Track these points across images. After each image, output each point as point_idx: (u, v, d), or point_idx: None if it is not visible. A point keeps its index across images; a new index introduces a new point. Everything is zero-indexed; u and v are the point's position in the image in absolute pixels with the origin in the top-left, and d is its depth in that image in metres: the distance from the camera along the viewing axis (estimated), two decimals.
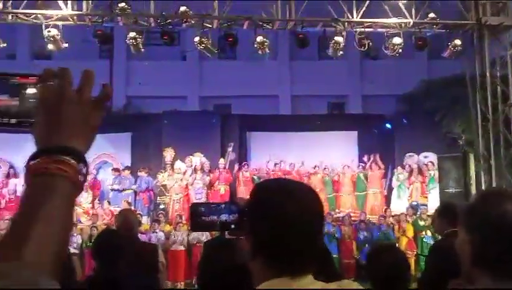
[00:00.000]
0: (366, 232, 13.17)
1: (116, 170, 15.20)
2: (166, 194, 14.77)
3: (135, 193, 14.83)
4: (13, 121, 1.00)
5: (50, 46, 11.07)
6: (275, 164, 15.07)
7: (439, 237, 4.75)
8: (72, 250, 11.37)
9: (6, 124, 1.01)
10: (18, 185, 14.93)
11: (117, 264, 3.85)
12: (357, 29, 11.61)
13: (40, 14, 10.54)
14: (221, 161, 14.98)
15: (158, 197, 14.89)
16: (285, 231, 1.35)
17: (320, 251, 1.46)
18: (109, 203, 14.59)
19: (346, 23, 11.41)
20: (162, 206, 14.58)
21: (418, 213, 13.71)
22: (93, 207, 14.53)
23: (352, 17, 11.35)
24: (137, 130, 15.98)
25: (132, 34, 10.86)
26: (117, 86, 19.89)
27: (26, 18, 10.75)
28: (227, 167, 15.00)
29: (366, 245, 12.41)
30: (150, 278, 5.04)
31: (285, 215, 1.36)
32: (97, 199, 14.89)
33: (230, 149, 15.28)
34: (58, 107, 0.94)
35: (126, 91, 19.79)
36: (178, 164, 14.92)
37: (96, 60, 19.37)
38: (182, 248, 12.58)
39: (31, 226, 0.84)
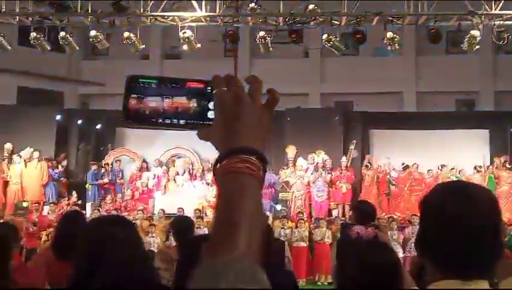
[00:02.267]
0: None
1: None
2: (288, 190, 14.92)
3: None
4: (182, 122, 1.07)
5: (184, 47, 11.60)
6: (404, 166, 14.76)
7: None
8: None
9: (176, 125, 1.08)
10: (150, 178, 15.85)
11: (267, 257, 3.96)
12: (496, 22, 10.93)
13: (176, 16, 11.06)
14: (344, 159, 14.85)
15: (280, 194, 15.09)
16: (450, 232, 1.35)
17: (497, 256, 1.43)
18: None
19: (483, 16, 10.79)
20: (284, 203, 14.76)
21: None
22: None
23: (490, 10, 10.71)
24: None
25: (262, 34, 11.08)
26: None
27: (163, 20, 11.33)
28: (349, 165, 14.85)
29: None
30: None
31: (449, 215, 1.37)
32: None
33: (352, 147, 15.10)
34: (237, 112, 1.01)
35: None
36: (300, 161, 15.01)
37: (221, 59, 20.01)
38: (303, 244, 12.66)
39: (240, 220, 0.92)
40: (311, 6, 10.76)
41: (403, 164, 14.82)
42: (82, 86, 21.01)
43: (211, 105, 1.07)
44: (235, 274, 0.84)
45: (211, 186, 15.27)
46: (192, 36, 11.14)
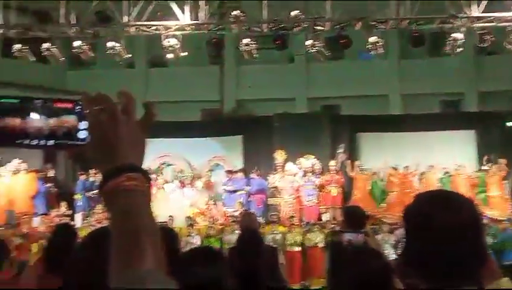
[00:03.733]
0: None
1: (229, 171, 15.65)
2: (278, 195, 14.96)
3: (248, 194, 15.17)
4: (50, 142, 1.07)
5: (169, 56, 11.63)
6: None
7: None
8: None
9: (44, 146, 1.08)
10: None
11: (258, 264, 4.00)
12: (476, 25, 11.09)
13: (160, 25, 11.09)
14: (332, 162, 14.93)
15: (270, 199, 15.13)
16: (435, 242, 1.39)
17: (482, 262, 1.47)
18: (223, 204, 15.06)
19: (464, 19, 10.94)
20: (274, 208, 14.81)
21: None
22: (208, 208, 15.06)
23: (471, 13, 10.87)
24: (248, 133, 16.32)
25: (246, 41, 11.15)
26: (228, 90, 20.48)
27: (147, 30, 11.36)
28: (338, 169, 14.93)
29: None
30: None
31: (434, 226, 1.40)
32: (211, 200, 15.41)
33: (341, 151, 15.18)
34: (114, 130, 1.02)
35: (236, 95, 20.30)
36: (289, 165, 15.06)
37: (206, 66, 20.05)
38: (297, 249, 12.71)
39: (140, 237, 0.97)
40: (294, 13, 10.86)
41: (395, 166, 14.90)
42: (66, 96, 20.88)
43: (81, 125, 1.07)
44: (152, 283, 0.92)
45: (202, 193, 15.29)
46: (177, 45, 11.18)
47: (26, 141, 1.04)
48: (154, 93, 20.08)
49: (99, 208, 15.11)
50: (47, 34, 11.37)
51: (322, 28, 11.45)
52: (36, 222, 14.24)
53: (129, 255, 0.96)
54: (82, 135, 1.06)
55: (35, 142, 1.05)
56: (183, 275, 2.01)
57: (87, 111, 1.03)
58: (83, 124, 1.06)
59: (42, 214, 14.50)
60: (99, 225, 13.68)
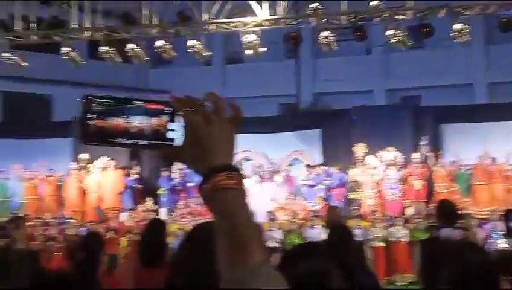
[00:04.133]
0: None
1: (309, 166, 15.60)
2: (358, 189, 14.75)
3: (328, 188, 15.06)
4: (143, 142, 1.08)
5: (248, 52, 11.71)
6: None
7: None
8: (273, 244, 11.98)
9: (137, 145, 1.09)
10: None
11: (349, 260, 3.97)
12: None
13: (239, 22, 11.19)
14: (415, 155, 14.52)
15: (350, 193, 14.94)
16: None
17: None
18: (303, 198, 15.03)
19: None
20: (355, 202, 14.62)
21: None
22: (288, 203, 15.08)
23: None
24: (326, 127, 16.18)
25: (325, 34, 11.04)
26: (304, 84, 20.40)
27: (226, 27, 11.50)
28: (422, 161, 14.50)
29: None
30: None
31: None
32: (291, 195, 15.42)
33: (424, 142, 14.73)
34: (209, 131, 1.06)
35: (313, 88, 20.18)
36: (370, 159, 14.81)
37: (282, 60, 20.06)
38: (380, 244, 12.48)
39: (246, 233, 1.03)
40: (374, 3, 10.62)
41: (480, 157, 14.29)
42: (149, 94, 21.61)
43: (170, 125, 1.08)
44: (262, 278, 0.97)
45: (281, 187, 15.33)
46: (256, 40, 11.24)
47: (121, 140, 1.07)
48: (231, 90, 20.35)
49: (182, 202, 15.56)
50: (131, 35, 11.77)
51: (403, 17, 11.13)
52: (123, 216, 14.83)
53: (239, 250, 1.01)
54: (171, 135, 1.08)
55: (129, 141, 1.08)
56: (290, 269, 2.01)
57: (181, 113, 1.07)
58: (173, 125, 1.08)
59: (129, 209, 15.07)
60: (183, 220, 14.09)
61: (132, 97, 1.10)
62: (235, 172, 1.07)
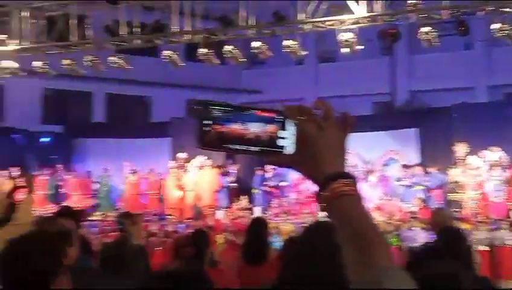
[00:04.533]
0: None
1: (405, 166, 15.18)
2: (460, 191, 14.14)
3: (427, 189, 14.57)
4: (255, 149, 1.11)
5: (344, 50, 11.59)
6: None
7: None
8: None
9: (249, 152, 1.11)
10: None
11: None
12: None
13: (335, 20, 11.09)
14: None
15: (450, 194, 14.37)
16: None
17: None
18: (399, 199, 14.64)
19: None
20: (456, 204, 14.03)
21: None
22: (383, 203, 14.75)
23: None
24: (424, 125, 15.66)
25: (425, 29, 10.68)
26: (400, 81, 19.86)
27: (322, 26, 11.44)
28: None
29: None
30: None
31: None
32: (387, 195, 15.07)
33: None
34: (324, 140, 1.09)
35: (409, 86, 19.61)
36: (471, 159, 14.15)
37: (378, 58, 19.65)
38: (485, 248, 11.89)
39: (372, 237, 1.05)
40: None
41: None
42: (242, 94, 21.97)
43: (281, 133, 1.10)
44: (394, 280, 1.00)
45: (375, 188, 15.04)
46: (353, 38, 11.09)
47: (235, 147, 1.10)
48: (324, 89, 20.22)
49: (276, 201, 15.69)
50: (228, 37, 12.00)
51: (510, 10, 10.51)
52: (219, 214, 15.17)
53: (367, 254, 1.03)
54: (282, 143, 1.10)
55: (242, 148, 1.10)
56: (416, 271, 1.96)
57: (293, 121, 1.10)
58: (283, 133, 1.10)
59: (225, 208, 15.39)
60: (277, 219, 14.17)
61: (245, 105, 1.14)
62: (351, 179, 1.09)
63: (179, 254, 5.70)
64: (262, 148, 1.11)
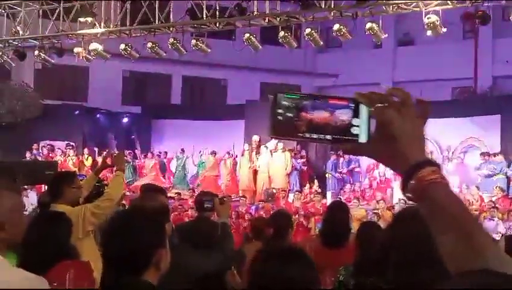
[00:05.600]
0: None
1: (485, 154, 14.62)
2: None
3: (508, 179, 13.99)
4: (328, 137, 1.09)
5: (428, 33, 11.24)
6: None
7: None
8: None
9: (322, 140, 1.10)
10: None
11: None
12: None
13: (420, 1, 10.78)
14: None
15: None
16: None
17: None
18: (478, 188, 14.13)
19: None
20: None
21: None
22: (460, 192, 14.31)
23: None
24: (506, 112, 15.01)
25: None
26: (483, 66, 19.08)
27: (407, 7, 11.15)
28: None
29: None
30: None
31: None
32: (464, 184, 14.60)
33: None
34: (402, 127, 1.05)
35: (493, 71, 18.80)
36: None
37: (459, 41, 18.95)
38: None
39: (471, 223, 1.03)
40: None
41: None
42: (317, 78, 21.84)
43: (354, 121, 1.08)
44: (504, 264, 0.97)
45: (453, 176, 14.58)
46: (437, 21, 10.73)
47: (307, 135, 1.09)
48: (402, 73, 19.75)
49: (348, 187, 15.58)
50: (308, 20, 11.92)
51: None
52: (291, 197, 15.24)
53: (468, 242, 1.01)
54: (355, 131, 1.09)
55: (315, 136, 1.10)
56: None
57: (371, 108, 1.07)
58: (357, 121, 1.08)
59: (296, 191, 15.43)
60: (349, 204, 14.07)
61: (318, 93, 1.15)
62: (437, 166, 1.06)
63: (258, 234, 5.78)
64: (336, 136, 1.10)
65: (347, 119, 1.09)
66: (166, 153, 18.17)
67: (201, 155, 17.13)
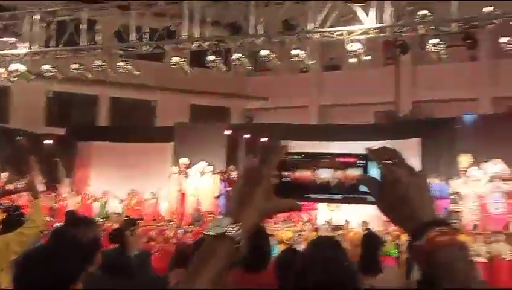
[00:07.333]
0: None
1: None
2: (460, 202, 14.18)
3: None
4: (337, 196, 1.08)
5: (352, 60, 11.62)
6: None
7: None
8: None
9: (330, 200, 1.10)
10: None
11: None
12: None
13: (344, 30, 11.13)
14: None
15: (452, 205, 14.39)
16: None
17: None
18: None
19: None
20: (455, 215, 14.03)
21: None
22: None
23: None
24: (427, 136, 15.70)
25: (434, 41, 10.73)
26: (403, 91, 19.96)
27: (331, 36, 11.48)
28: None
29: None
30: None
31: None
32: None
33: None
34: (411, 184, 1.04)
35: (413, 96, 19.72)
36: (473, 171, 14.19)
37: (381, 68, 19.72)
38: (482, 259, 11.90)
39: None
40: (488, 9, 10.16)
41: None
42: (247, 101, 22.02)
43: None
44: None
45: None
46: (361, 49, 11.14)
47: (315, 195, 1.08)
48: (328, 97, 20.29)
49: None
50: (237, 45, 12.04)
51: None
52: None
53: None
54: (363, 188, 1.07)
55: (323, 195, 1.08)
56: None
57: (382, 166, 1.06)
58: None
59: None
60: (275, 226, 14.14)
61: (323, 152, 1.11)
62: (447, 226, 1.01)
63: (183, 261, 5.71)
64: (345, 195, 1.08)
65: (356, 177, 1.07)
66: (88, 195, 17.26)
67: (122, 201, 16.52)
